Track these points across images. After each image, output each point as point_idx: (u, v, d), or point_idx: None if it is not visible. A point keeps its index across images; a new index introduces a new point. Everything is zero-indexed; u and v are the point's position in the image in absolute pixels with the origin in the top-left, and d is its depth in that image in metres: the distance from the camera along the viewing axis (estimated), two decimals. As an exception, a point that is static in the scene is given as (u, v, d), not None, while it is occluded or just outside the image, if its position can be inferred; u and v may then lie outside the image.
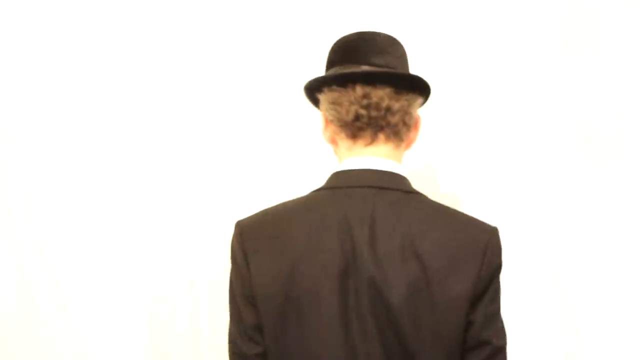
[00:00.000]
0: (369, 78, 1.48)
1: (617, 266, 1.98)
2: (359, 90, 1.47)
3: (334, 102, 1.50)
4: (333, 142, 1.55)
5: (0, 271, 2.04)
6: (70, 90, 2.05)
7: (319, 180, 1.55)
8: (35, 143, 2.05)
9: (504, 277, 2.01)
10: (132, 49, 2.05)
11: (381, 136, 1.50)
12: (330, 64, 1.55)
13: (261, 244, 1.46)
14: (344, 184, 1.48)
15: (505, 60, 2.02)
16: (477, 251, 1.45)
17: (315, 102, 1.58)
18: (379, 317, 1.40)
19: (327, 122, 1.53)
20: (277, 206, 1.51)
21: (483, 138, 2.03)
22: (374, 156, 1.50)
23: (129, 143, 2.05)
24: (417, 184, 2.02)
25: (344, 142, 1.52)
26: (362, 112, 1.47)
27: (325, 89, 1.51)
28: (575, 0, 2.01)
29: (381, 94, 1.47)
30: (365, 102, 1.47)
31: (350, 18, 2.03)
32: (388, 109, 1.48)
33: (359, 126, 1.49)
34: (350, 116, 1.48)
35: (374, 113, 1.48)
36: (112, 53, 2.05)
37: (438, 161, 2.03)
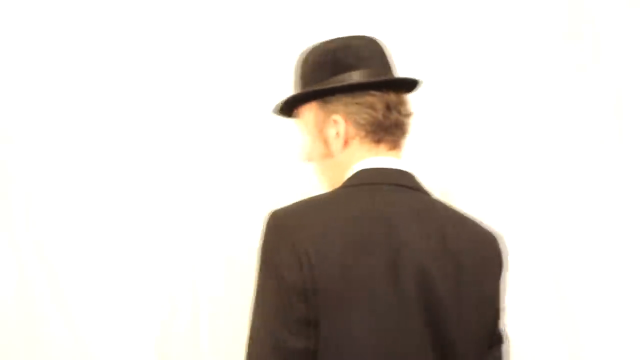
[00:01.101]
0: (398, 84, 1.56)
1: (617, 266, 1.98)
2: (394, 96, 1.55)
3: (370, 107, 1.54)
4: (346, 143, 1.56)
5: (0, 271, 2.03)
6: (70, 91, 2.05)
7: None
8: (35, 143, 2.05)
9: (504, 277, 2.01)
10: (132, 50, 2.05)
11: (402, 141, 1.59)
12: (345, 67, 1.58)
13: (314, 236, 1.43)
14: (377, 181, 1.52)
15: (505, 59, 2.02)
16: (497, 252, 1.55)
17: (292, 106, 1.63)
18: (428, 309, 1.43)
19: (349, 123, 1.55)
20: (311, 199, 1.51)
21: (483, 138, 2.03)
22: (396, 158, 1.56)
23: (129, 143, 2.05)
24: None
25: (366, 145, 1.56)
26: (400, 118, 1.56)
27: (357, 92, 1.55)
28: (576, 0, 2.02)
29: (406, 100, 1.57)
30: (401, 108, 1.56)
31: (350, 18, 2.03)
32: (410, 115, 1.59)
33: (391, 130, 1.56)
34: (388, 121, 1.55)
35: (405, 119, 1.57)
36: (112, 53, 2.05)
37: (437, 161, 2.03)
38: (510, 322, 1.99)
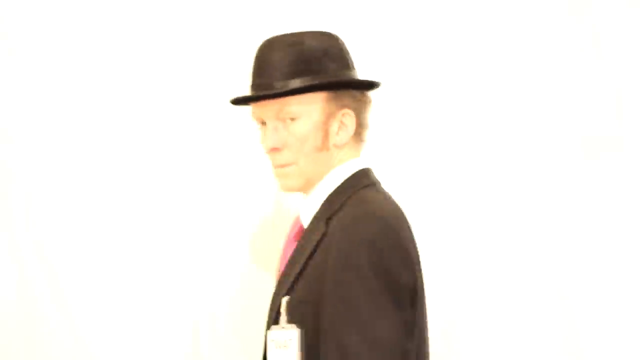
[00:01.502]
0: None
1: (617, 266, 1.98)
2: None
3: (368, 106, 1.60)
4: (343, 144, 1.58)
5: (0, 271, 2.03)
6: (70, 91, 2.05)
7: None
8: (35, 143, 2.05)
9: (505, 277, 2.01)
10: (132, 50, 2.05)
11: None
12: (352, 63, 1.62)
13: (407, 236, 1.50)
14: (375, 180, 1.60)
15: (505, 59, 2.02)
16: None
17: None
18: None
19: (358, 124, 1.58)
20: (377, 198, 1.55)
21: (483, 138, 2.02)
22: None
23: (130, 143, 2.05)
24: (418, 183, 2.03)
25: (355, 144, 1.59)
26: None
27: (363, 90, 1.60)
28: (576, 0, 2.01)
29: None
30: None
31: (350, 19, 2.03)
32: None
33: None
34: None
35: None
36: (112, 54, 2.05)
37: (437, 160, 2.03)
38: (511, 322, 1.99)
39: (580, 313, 1.98)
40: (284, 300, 1.50)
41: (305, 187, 1.59)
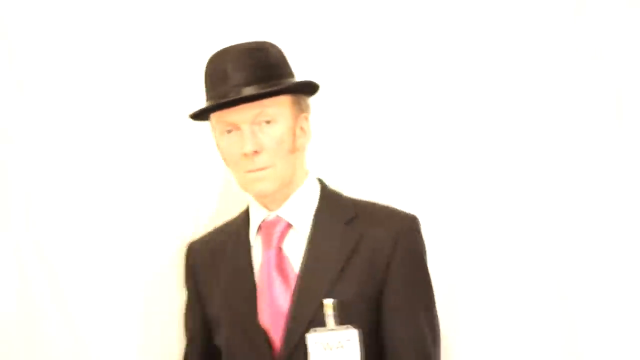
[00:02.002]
0: None
1: (617, 266, 1.98)
2: None
3: None
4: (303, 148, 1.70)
5: (0, 271, 2.03)
6: (70, 91, 2.05)
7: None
8: (35, 143, 2.05)
9: (504, 277, 2.01)
10: (131, 50, 2.05)
11: None
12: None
13: None
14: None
15: (505, 59, 2.02)
16: None
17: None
18: None
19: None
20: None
21: (482, 138, 2.02)
22: None
23: (129, 143, 2.05)
24: (418, 183, 2.03)
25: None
26: None
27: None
28: (576, 0, 2.01)
29: None
30: None
31: (349, 19, 2.03)
32: None
33: None
34: None
35: None
36: (111, 53, 2.05)
37: (436, 161, 2.03)
38: (510, 322, 1.99)
39: (580, 313, 1.98)
40: (328, 302, 1.51)
41: (279, 190, 1.63)
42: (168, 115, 2.05)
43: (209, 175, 2.05)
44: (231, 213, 2.01)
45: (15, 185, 2.05)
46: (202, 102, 1.83)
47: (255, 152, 1.58)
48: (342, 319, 1.53)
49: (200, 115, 1.68)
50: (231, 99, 1.58)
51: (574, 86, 2.01)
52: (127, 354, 2.04)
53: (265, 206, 1.68)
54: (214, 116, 1.65)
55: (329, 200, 1.68)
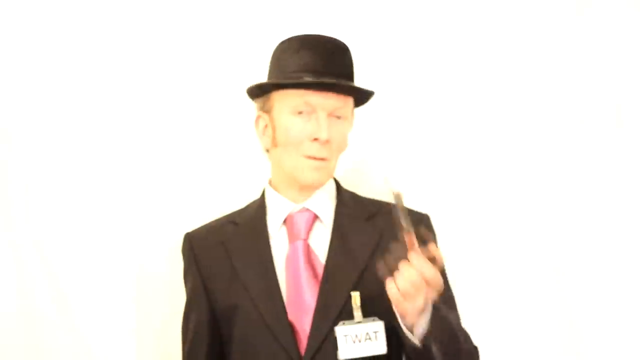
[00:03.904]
0: None
1: (618, 266, 1.98)
2: None
3: None
4: None
5: (0, 271, 2.03)
6: (69, 91, 2.05)
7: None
8: (35, 143, 2.05)
9: (504, 277, 2.02)
10: (131, 50, 2.05)
11: None
12: None
13: None
14: None
15: (504, 59, 2.02)
16: None
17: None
18: None
19: None
20: None
21: (482, 138, 2.03)
22: None
23: (129, 143, 2.05)
24: (418, 183, 2.03)
25: None
26: None
27: None
28: (576, 1, 2.01)
29: None
30: None
31: (348, 20, 2.03)
32: None
33: None
34: None
35: None
36: (110, 53, 2.05)
37: (436, 161, 2.03)
38: (511, 322, 2.00)
39: (580, 314, 1.99)
40: (356, 294, 1.54)
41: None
42: (167, 114, 2.06)
43: (210, 175, 2.05)
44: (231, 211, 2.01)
45: (15, 185, 2.04)
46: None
47: (327, 141, 1.59)
48: (369, 312, 1.53)
49: (257, 89, 1.68)
50: (332, 82, 1.59)
51: (574, 86, 2.01)
52: (127, 354, 2.04)
53: (292, 199, 1.68)
54: (288, 93, 1.63)
55: (347, 197, 1.72)
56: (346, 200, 1.71)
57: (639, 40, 2.00)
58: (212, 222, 1.79)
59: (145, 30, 2.05)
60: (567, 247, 2.00)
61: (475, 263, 2.01)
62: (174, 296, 1.98)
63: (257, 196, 1.77)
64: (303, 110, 1.60)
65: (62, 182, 2.04)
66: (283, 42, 1.67)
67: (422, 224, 1.59)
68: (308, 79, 1.59)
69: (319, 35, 1.65)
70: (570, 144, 2.01)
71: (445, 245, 1.89)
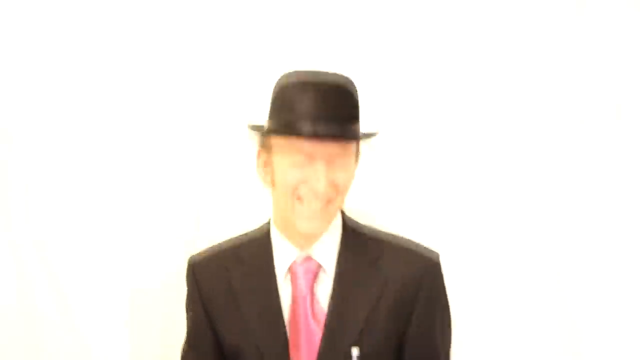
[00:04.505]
0: None
1: (618, 266, 1.98)
2: None
3: None
4: None
5: (0, 271, 2.04)
6: (69, 90, 2.05)
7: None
8: (35, 143, 2.05)
9: (504, 278, 2.02)
10: (131, 50, 2.05)
11: None
12: None
13: None
14: None
15: (504, 59, 2.02)
16: None
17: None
18: None
19: None
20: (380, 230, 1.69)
21: (482, 137, 2.02)
22: None
23: (129, 142, 2.05)
24: (418, 183, 2.03)
25: None
26: None
27: None
28: (576, 0, 2.01)
29: None
30: None
31: (348, 18, 2.03)
32: None
33: None
34: None
35: None
36: (111, 53, 2.05)
37: (435, 158, 2.03)
38: (511, 322, 2.00)
39: (580, 313, 1.99)
40: (355, 351, 1.51)
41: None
42: (168, 115, 2.05)
43: (210, 175, 2.05)
44: (232, 211, 2.02)
45: (15, 185, 2.05)
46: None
47: (325, 192, 1.50)
48: None
49: (254, 129, 1.58)
50: (328, 134, 1.48)
51: (574, 86, 2.01)
52: (127, 354, 2.05)
53: (297, 244, 1.60)
54: (285, 139, 1.52)
55: (351, 237, 1.62)
56: (350, 243, 1.61)
57: (639, 40, 2.00)
58: (217, 249, 1.69)
59: (145, 30, 2.05)
60: (567, 247, 2.00)
61: (475, 263, 2.00)
62: (173, 295, 1.98)
63: (257, 201, 1.77)
64: (300, 158, 1.50)
65: (62, 182, 2.05)
66: (283, 78, 1.55)
67: (428, 275, 1.59)
68: (305, 127, 1.47)
69: (322, 73, 1.53)
70: (570, 144, 2.01)
71: (445, 244, 1.90)
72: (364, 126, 1.57)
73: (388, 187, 2.02)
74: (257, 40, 2.04)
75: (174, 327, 1.83)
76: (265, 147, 1.57)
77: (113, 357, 2.04)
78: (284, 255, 1.60)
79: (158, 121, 2.05)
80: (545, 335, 2.00)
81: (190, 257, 1.69)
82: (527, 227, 2.01)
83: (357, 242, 1.61)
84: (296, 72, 1.55)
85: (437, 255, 1.63)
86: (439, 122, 2.02)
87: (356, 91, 1.54)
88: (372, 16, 2.02)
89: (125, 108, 2.05)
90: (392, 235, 1.65)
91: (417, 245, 1.63)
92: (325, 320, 1.55)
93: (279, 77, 1.57)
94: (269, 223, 1.65)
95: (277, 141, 1.53)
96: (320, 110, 1.48)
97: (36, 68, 2.04)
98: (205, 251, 1.70)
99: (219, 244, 1.70)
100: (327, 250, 1.59)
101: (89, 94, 2.05)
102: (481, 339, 2.01)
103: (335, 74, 1.53)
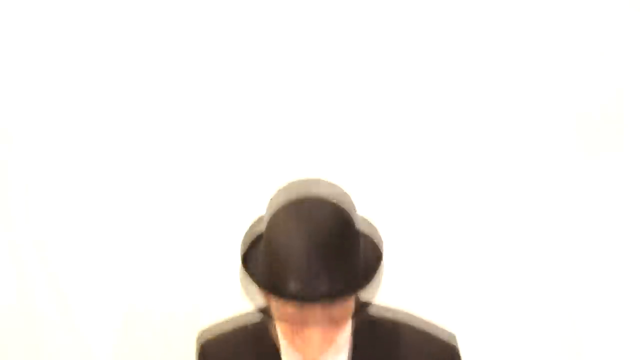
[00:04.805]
0: None
1: (618, 267, 1.98)
2: None
3: None
4: None
5: (0, 271, 2.04)
6: (70, 91, 2.05)
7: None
8: (35, 143, 2.05)
9: (504, 278, 2.02)
10: (131, 50, 2.05)
11: None
12: None
13: None
14: None
15: (504, 59, 2.02)
16: None
17: None
18: None
19: None
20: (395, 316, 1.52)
21: (481, 137, 2.03)
22: None
23: (129, 142, 2.05)
24: (418, 183, 2.03)
25: None
26: None
27: None
28: (576, 0, 2.02)
29: None
30: None
31: (347, 19, 2.03)
32: None
33: None
34: None
35: None
36: (111, 53, 2.05)
37: (434, 157, 2.03)
38: (511, 322, 2.00)
39: (580, 313, 1.99)
40: None
41: None
42: (168, 115, 2.06)
43: (210, 175, 2.05)
44: (233, 212, 2.02)
45: (15, 185, 2.05)
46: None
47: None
48: None
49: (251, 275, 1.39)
50: (321, 295, 1.31)
51: (574, 86, 2.01)
52: (127, 354, 2.05)
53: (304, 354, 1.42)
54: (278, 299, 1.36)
55: (364, 338, 1.47)
56: (363, 345, 1.47)
57: (639, 39, 2.00)
58: (230, 334, 1.56)
59: (145, 30, 2.05)
60: (567, 247, 2.00)
61: (475, 263, 2.01)
62: (174, 295, 1.99)
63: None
64: (292, 313, 1.34)
65: (62, 182, 2.05)
66: (276, 216, 1.35)
67: None
68: (293, 287, 1.30)
69: (316, 207, 1.34)
70: (570, 144, 2.01)
71: (445, 244, 1.90)
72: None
73: (388, 187, 2.02)
74: (257, 40, 2.04)
75: (174, 328, 1.84)
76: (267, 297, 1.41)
77: (113, 357, 2.04)
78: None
79: (158, 121, 2.05)
80: (545, 335, 2.00)
81: (200, 335, 1.58)
82: (527, 227, 2.01)
83: (370, 341, 1.48)
84: (287, 214, 1.34)
85: (455, 338, 1.51)
86: (439, 122, 2.02)
87: (354, 225, 1.36)
88: (372, 16, 2.03)
89: (125, 108, 2.05)
90: (409, 323, 1.50)
91: (434, 336, 1.50)
92: None
93: (273, 195, 1.41)
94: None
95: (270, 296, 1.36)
96: (312, 265, 1.31)
97: (36, 68, 2.04)
98: (218, 335, 1.57)
99: (230, 320, 1.59)
100: (338, 356, 1.44)
101: (89, 94, 2.05)
102: (481, 339, 2.01)
103: (333, 209, 1.35)
